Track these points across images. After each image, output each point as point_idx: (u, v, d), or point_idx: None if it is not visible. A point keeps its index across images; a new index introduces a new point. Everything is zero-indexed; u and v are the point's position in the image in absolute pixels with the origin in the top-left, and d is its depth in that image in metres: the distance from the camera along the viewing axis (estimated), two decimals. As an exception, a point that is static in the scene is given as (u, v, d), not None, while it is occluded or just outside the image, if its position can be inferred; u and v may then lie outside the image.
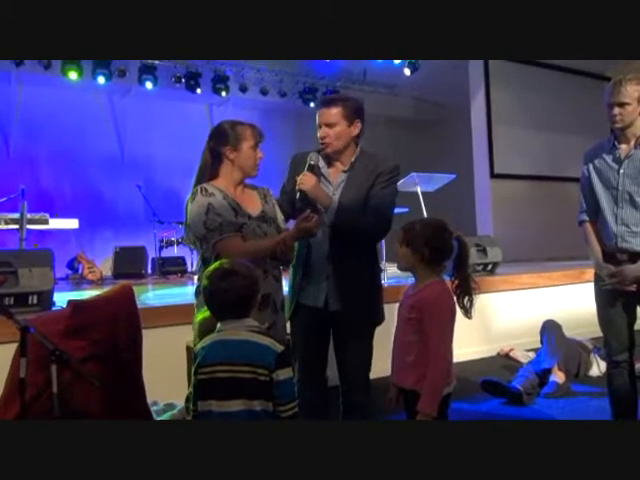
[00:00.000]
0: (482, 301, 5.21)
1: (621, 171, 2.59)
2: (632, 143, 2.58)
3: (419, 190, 5.51)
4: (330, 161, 2.35)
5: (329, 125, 2.28)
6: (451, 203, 7.00)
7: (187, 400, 1.98)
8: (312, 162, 2.28)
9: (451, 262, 2.01)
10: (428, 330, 1.89)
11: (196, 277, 2.41)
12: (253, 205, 2.26)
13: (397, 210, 5.72)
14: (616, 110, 2.51)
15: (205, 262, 2.15)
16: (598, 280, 2.72)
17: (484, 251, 5.52)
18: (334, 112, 2.27)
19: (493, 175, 7.97)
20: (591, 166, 2.73)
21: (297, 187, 2.24)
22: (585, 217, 2.78)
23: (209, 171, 2.25)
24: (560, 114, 8.26)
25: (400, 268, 2.06)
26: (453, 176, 5.74)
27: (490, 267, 5.58)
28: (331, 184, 2.33)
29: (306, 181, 2.23)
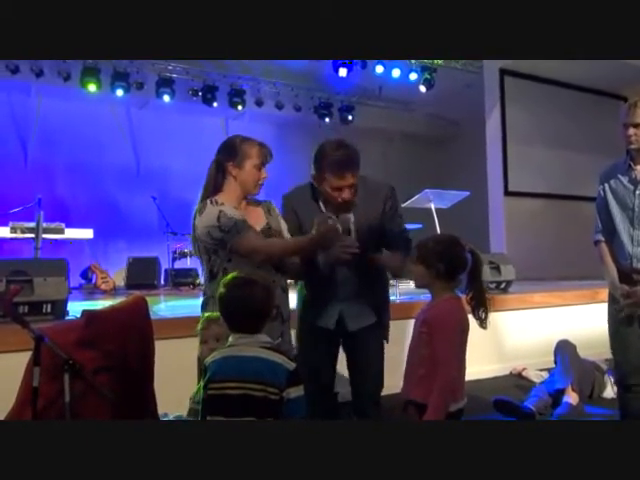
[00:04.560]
0: (495, 319, 5.14)
1: (637, 192, 2.59)
2: None
3: (433, 207, 5.50)
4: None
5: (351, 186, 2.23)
6: (464, 220, 6.97)
7: (191, 400, 1.98)
8: (348, 226, 2.21)
9: (465, 276, 2.02)
10: (436, 345, 1.90)
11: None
12: (257, 219, 2.28)
13: (411, 226, 5.70)
14: (631, 131, 2.52)
15: (212, 276, 2.16)
16: (612, 301, 2.69)
17: (497, 269, 5.48)
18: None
19: (507, 193, 7.94)
20: (607, 186, 2.72)
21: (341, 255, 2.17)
22: (600, 237, 2.77)
23: (213, 184, 2.27)
24: (575, 133, 8.23)
25: (417, 286, 2.06)
26: (467, 193, 5.72)
27: (503, 285, 5.53)
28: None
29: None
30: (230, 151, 2.24)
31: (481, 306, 2.01)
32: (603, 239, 2.76)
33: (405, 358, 2.07)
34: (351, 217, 2.21)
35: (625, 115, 2.54)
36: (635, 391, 2.64)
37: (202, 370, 1.71)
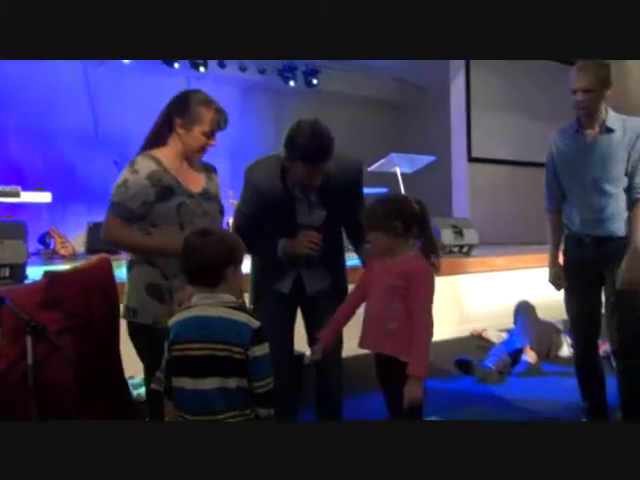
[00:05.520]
0: (457, 282, 5.30)
1: (586, 157, 2.55)
2: (597, 129, 2.53)
3: (398, 171, 5.52)
4: None
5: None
6: (428, 185, 7.03)
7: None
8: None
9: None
10: (415, 298, 1.94)
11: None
12: (195, 182, 2.20)
13: (376, 191, 5.71)
14: (580, 96, 2.46)
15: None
16: (566, 264, 2.74)
17: (460, 233, 5.57)
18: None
19: (471, 159, 8.02)
20: (555, 152, 2.69)
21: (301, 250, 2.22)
22: (549, 205, 2.78)
23: (157, 135, 2.17)
24: (541, 100, 8.31)
25: (376, 254, 2.05)
26: (432, 158, 5.77)
27: (466, 249, 5.64)
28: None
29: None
30: (182, 108, 2.12)
31: (433, 252, 2.06)
32: (551, 207, 2.77)
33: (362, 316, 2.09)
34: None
35: (573, 80, 2.49)
36: (587, 350, 2.73)
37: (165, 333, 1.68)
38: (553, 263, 2.78)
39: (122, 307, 2.22)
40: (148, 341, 2.10)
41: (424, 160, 5.74)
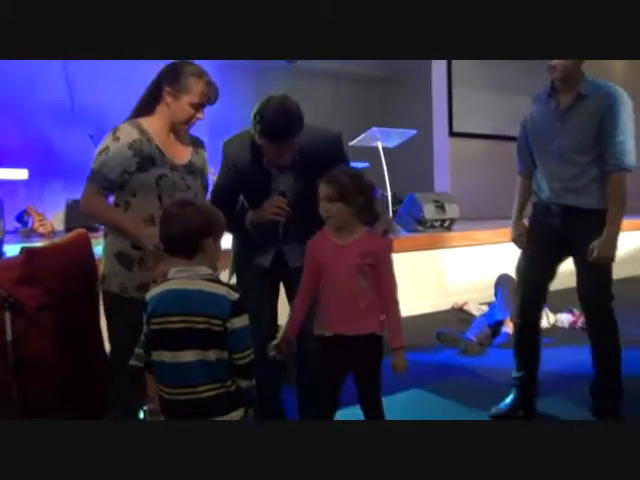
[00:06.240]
0: (438, 256, 5.34)
1: (558, 124, 2.49)
2: (570, 95, 2.45)
3: (380, 145, 5.50)
4: None
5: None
6: (410, 160, 7.03)
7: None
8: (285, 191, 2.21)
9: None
10: (385, 275, 1.99)
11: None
12: (180, 154, 2.16)
13: (358, 165, 5.67)
14: (554, 61, 2.39)
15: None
16: (531, 228, 2.71)
17: (442, 207, 5.59)
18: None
19: (452, 133, 8.02)
20: (529, 118, 2.64)
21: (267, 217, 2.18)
22: (521, 169, 2.74)
23: (146, 103, 2.14)
24: (522, 75, 8.30)
25: (335, 225, 2.00)
26: (414, 132, 5.75)
27: (447, 223, 5.67)
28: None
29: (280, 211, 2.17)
30: (173, 76, 2.08)
31: (376, 221, 2.08)
32: (523, 171, 2.72)
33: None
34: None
35: None
36: (529, 322, 2.71)
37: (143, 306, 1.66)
38: (516, 223, 2.73)
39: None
40: (114, 310, 2.12)
41: (405, 134, 5.71)
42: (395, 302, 2.01)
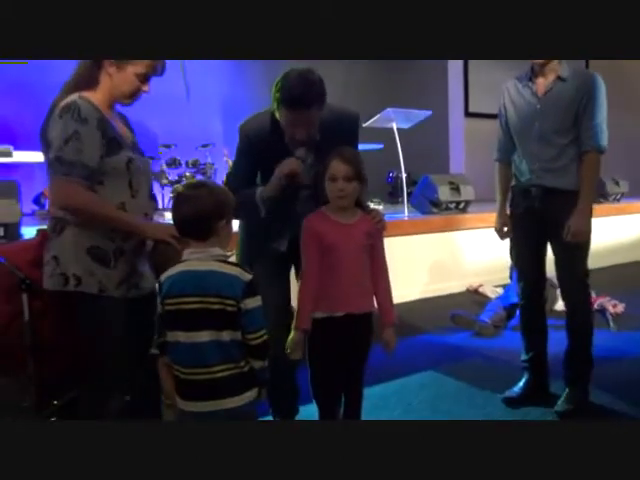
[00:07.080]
0: (453, 238, 5.31)
1: (538, 106, 2.55)
2: (551, 78, 2.53)
3: (395, 126, 5.44)
4: None
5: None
6: (425, 141, 6.97)
7: None
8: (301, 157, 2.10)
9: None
10: (381, 253, 2.05)
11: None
12: (125, 134, 1.95)
13: (372, 147, 5.62)
14: None
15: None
16: (513, 215, 2.75)
17: (457, 189, 5.55)
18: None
19: (467, 114, 7.92)
20: (508, 101, 2.68)
21: (284, 173, 2.05)
22: (498, 155, 2.76)
23: (87, 76, 1.86)
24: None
25: (344, 205, 1.96)
26: (429, 112, 5.68)
27: (462, 205, 5.63)
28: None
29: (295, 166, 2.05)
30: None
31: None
32: (500, 158, 2.75)
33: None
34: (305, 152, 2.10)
35: None
36: (533, 301, 2.80)
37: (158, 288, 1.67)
38: (501, 213, 2.79)
39: (50, 276, 1.86)
40: (92, 313, 1.85)
41: (421, 115, 5.64)
42: (388, 280, 2.04)
